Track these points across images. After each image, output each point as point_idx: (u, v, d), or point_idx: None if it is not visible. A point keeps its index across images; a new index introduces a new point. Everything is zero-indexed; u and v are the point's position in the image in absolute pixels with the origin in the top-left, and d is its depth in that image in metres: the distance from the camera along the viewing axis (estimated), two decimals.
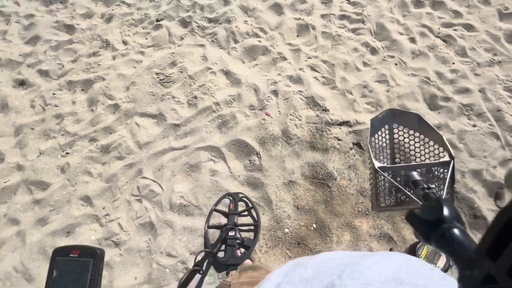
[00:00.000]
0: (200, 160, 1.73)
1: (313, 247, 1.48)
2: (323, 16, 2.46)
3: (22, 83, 2.22)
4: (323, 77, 2.07)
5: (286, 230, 1.53)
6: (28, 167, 1.76)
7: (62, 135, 1.92)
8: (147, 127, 1.92)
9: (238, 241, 1.45)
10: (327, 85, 2.04)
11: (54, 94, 2.12)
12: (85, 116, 2.01)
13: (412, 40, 2.24)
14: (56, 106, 2.05)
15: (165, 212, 1.59)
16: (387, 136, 0.78)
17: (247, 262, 1.41)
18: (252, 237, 1.50)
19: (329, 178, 1.65)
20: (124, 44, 2.43)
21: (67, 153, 1.84)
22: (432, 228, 0.32)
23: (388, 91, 1.97)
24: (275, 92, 1.98)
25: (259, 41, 2.29)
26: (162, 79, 2.13)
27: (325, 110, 1.89)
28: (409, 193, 0.62)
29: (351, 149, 1.75)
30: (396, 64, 2.12)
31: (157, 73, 2.16)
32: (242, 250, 1.46)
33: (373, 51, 2.19)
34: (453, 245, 0.29)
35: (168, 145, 1.82)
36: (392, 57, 2.15)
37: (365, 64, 2.14)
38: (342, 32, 2.31)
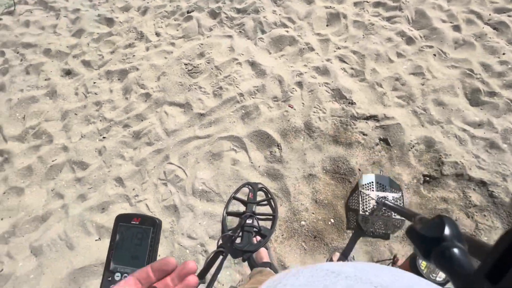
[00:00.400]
0: (223, 149, 1.78)
1: (329, 241, 1.47)
2: (356, 3, 2.33)
3: (68, 73, 2.45)
4: (352, 68, 1.99)
5: (303, 222, 1.53)
6: (72, 149, 1.96)
7: (100, 120, 2.10)
8: (175, 115, 2.01)
9: (255, 229, 1.49)
10: (355, 77, 1.96)
11: (94, 83, 2.31)
12: (120, 103, 2.17)
13: (456, 28, 2.03)
14: (96, 94, 2.24)
15: (188, 196, 1.68)
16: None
17: (263, 252, 1.44)
18: (269, 227, 1.53)
19: (350, 174, 1.60)
20: (156, 36, 2.55)
21: (104, 137, 2.01)
22: (432, 246, 0.32)
23: (423, 84, 1.83)
24: (299, 84, 1.95)
25: (287, 31, 2.25)
26: (190, 70, 2.21)
27: (352, 103, 1.82)
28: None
29: (376, 144, 1.68)
30: (434, 55, 1.95)
31: (185, 64, 2.24)
32: (258, 238, 1.50)
33: (409, 40, 2.03)
34: (452, 265, 0.28)
35: (193, 134, 1.90)
36: (431, 47, 1.98)
37: (399, 55, 2.00)
38: (376, 20, 2.18)
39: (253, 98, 1.96)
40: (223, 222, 1.56)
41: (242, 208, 1.60)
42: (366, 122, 1.75)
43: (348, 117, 1.77)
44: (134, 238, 0.44)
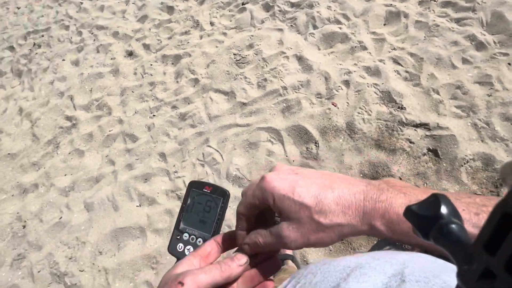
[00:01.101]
0: (259, 139, 1.82)
1: (357, 246, 1.42)
2: (421, 2, 2.15)
3: (130, 54, 2.70)
4: (406, 71, 1.85)
5: None
6: (126, 122, 2.18)
7: (153, 100, 2.29)
8: (219, 102, 2.10)
9: None
10: (409, 81, 1.83)
11: (151, 65, 2.52)
12: (171, 86, 2.33)
13: None
14: (151, 75, 2.45)
15: (222, 180, 1.76)
16: None
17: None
18: None
19: None
20: (211, 25, 2.67)
21: (154, 115, 2.19)
22: (430, 224, 0.30)
23: (489, 95, 1.64)
24: (346, 83, 1.89)
25: (340, 28, 2.18)
26: (238, 60, 2.28)
27: (401, 107, 1.70)
28: None
29: (424, 155, 1.56)
30: (509, 63, 1.72)
31: (234, 54, 2.31)
32: None
33: (480, 46, 1.82)
34: (451, 241, 0.27)
35: (233, 121, 1.97)
36: (506, 54, 1.75)
37: (465, 61, 1.81)
38: (442, 21, 1.99)
39: (296, 92, 1.96)
40: None
41: None
42: (415, 130, 1.63)
43: (396, 122, 1.67)
44: (204, 205, 0.47)
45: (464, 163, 1.48)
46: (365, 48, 2.03)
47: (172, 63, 2.50)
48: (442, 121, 1.61)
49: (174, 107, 2.19)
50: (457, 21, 1.99)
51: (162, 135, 2.07)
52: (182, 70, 2.37)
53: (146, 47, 2.69)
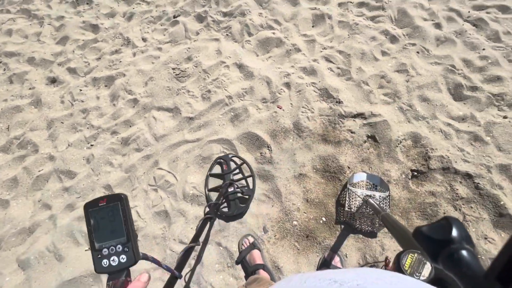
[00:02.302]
0: (212, 153, 1.77)
1: (321, 240, 1.47)
2: (340, 4, 2.37)
3: (53, 81, 2.40)
4: (338, 68, 2.01)
5: (295, 222, 1.53)
6: (58, 158, 1.92)
7: (88, 128, 2.06)
8: (164, 120, 2.00)
9: (238, 194, 1.58)
10: (342, 76, 1.98)
11: (80, 90, 2.28)
12: (107, 110, 2.14)
13: (438, 26, 2.08)
14: (82, 101, 2.21)
15: (179, 201, 1.66)
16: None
17: (255, 254, 1.43)
18: (250, 187, 1.64)
19: (340, 172, 1.61)
20: (143, 41, 2.53)
21: (92, 145, 1.98)
22: (440, 248, 0.32)
23: (407, 81, 1.87)
24: (287, 85, 1.96)
25: (273, 33, 2.27)
26: (178, 74, 2.20)
27: (339, 102, 1.84)
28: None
29: (365, 142, 1.70)
30: (418, 52, 1.99)
31: (173, 68, 2.23)
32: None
33: (393, 39, 2.07)
34: (461, 267, 0.28)
35: (182, 138, 1.89)
36: (414, 45, 2.02)
37: (383, 53, 2.03)
38: (360, 20, 2.21)
39: (241, 100, 1.96)
40: (207, 198, 1.63)
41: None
42: (354, 120, 1.77)
43: (336, 115, 1.79)
44: (106, 217, 0.50)
45: (398, 144, 1.65)
46: (299, 50, 2.15)
47: (106, 86, 2.29)
48: (375, 109, 1.78)
49: (114, 132, 2.01)
50: (372, 19, 2.24)
51: (104, 165, 1.87)
52: (118, 91, 2.19)
53: (72, 71, 2.42)
